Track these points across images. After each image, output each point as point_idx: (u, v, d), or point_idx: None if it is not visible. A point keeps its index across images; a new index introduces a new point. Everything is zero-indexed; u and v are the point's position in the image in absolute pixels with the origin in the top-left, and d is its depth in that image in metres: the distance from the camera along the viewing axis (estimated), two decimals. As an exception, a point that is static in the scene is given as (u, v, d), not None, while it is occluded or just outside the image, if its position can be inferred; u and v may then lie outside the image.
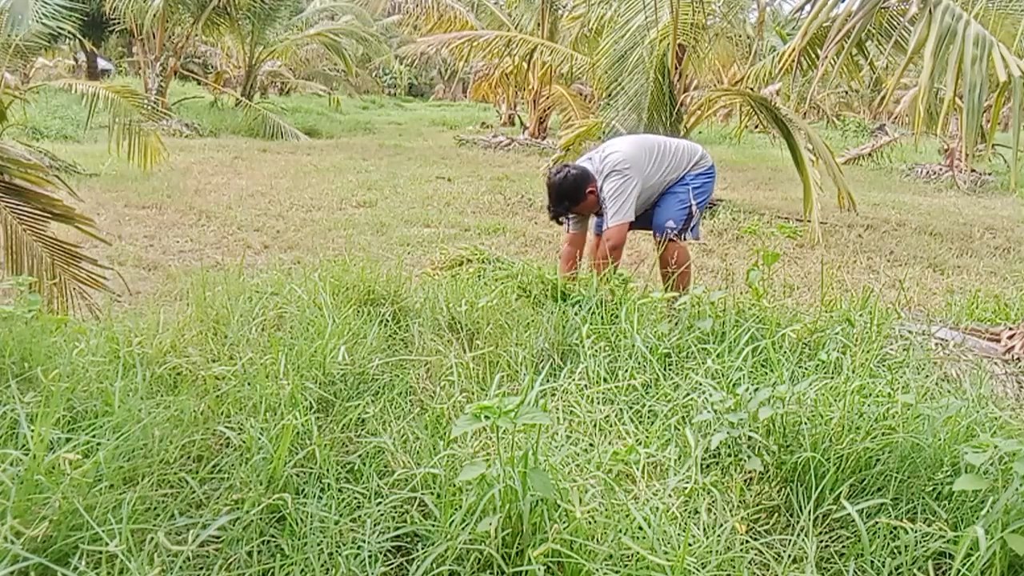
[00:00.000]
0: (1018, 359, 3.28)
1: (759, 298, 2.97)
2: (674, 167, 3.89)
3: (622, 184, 3.67)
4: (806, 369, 2.56)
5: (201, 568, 1.57)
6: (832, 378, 2.36)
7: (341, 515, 1.73)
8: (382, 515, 1.75)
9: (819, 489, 1.87)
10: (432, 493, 1.80)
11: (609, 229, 3.66)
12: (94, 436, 1.82)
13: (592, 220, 4.13)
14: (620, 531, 1.66)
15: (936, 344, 3.26)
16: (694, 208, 3.88)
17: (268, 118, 14.74)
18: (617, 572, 1.58)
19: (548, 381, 2.44)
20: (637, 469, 1.93)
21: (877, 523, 1.76)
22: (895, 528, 1.74)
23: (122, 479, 1.71)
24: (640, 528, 1.65)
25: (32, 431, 1.68)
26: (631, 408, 2.34)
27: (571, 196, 3.67)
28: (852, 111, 23.35)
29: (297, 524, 1.67)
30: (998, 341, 3.51)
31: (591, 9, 9.72)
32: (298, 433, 1.93)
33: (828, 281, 4.82)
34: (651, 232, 4.06)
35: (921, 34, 3.46)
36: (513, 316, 2.94)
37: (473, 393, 2.43)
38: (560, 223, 3.92)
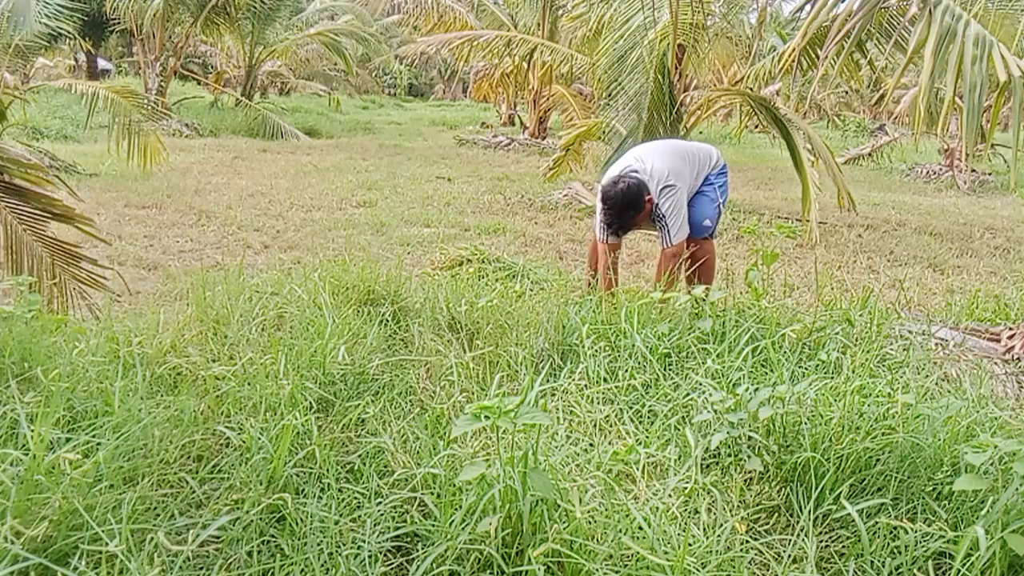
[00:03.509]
0: (1018, 359, 3.28)
1: (759, 298, 2.97)
2: (700, 170, 3.94)
3: (676, 198, 3.71)
4: (806, 369, 2.56)
5: (201, 568, 1.57)
6: (832, 378, 2.36)
7: (341, 515, 1.73)
8: (382, 515, 1.75)
9: (819, 489, 1.87)
10: (432, 493, 1.80)
11: (674, 245, 3.71)
12: (94, 436, 1.82)
13: (597, 228, 4.14)
14: (620, 531, 1.66)
15: (936, 344, 3.26)
16: (721, 206, 3.94)
17: (268, 118, 14.74)
18: (617, 572, 1.58)
19: (548, 381, 2.44)
20: (637, 469, 1.93)
21: (877, 523, 1.76)
22: (895, 528, 1.74)
23: (122, 479, 1.71)
24: (640, 528, 1.65)
25: (32, 431, 1.68)
26: (631, 408, 2.34)
27: (635, 205, 3.66)
28: (852, 111, 23.35)
29: (297, 524, 1.67)
30: (998, 341, 3.51)
31: (591, 9, 9.72)
32: (298, 433, 1.93)
33: (828, 281, 4.83)
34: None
35: (921, 34, 3.46)
36: (513, 316, 2.94)
37: (473, 393, 2.43)
38: (618, 236, 3.87)
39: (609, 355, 2.65)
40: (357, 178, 9.73)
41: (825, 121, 20.99)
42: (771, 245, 3.24)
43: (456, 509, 1.69)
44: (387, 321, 2.85)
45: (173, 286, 4.45)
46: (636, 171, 3.74)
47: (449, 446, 1.97)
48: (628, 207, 3.65)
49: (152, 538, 1.54)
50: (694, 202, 3.93)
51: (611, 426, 2.24)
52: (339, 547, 1.63)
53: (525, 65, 14.59)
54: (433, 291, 3.10)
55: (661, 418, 2.24)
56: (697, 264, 3.81)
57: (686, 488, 1.86)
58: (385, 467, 1.95)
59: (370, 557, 1.62)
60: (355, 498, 1.82)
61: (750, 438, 2.04)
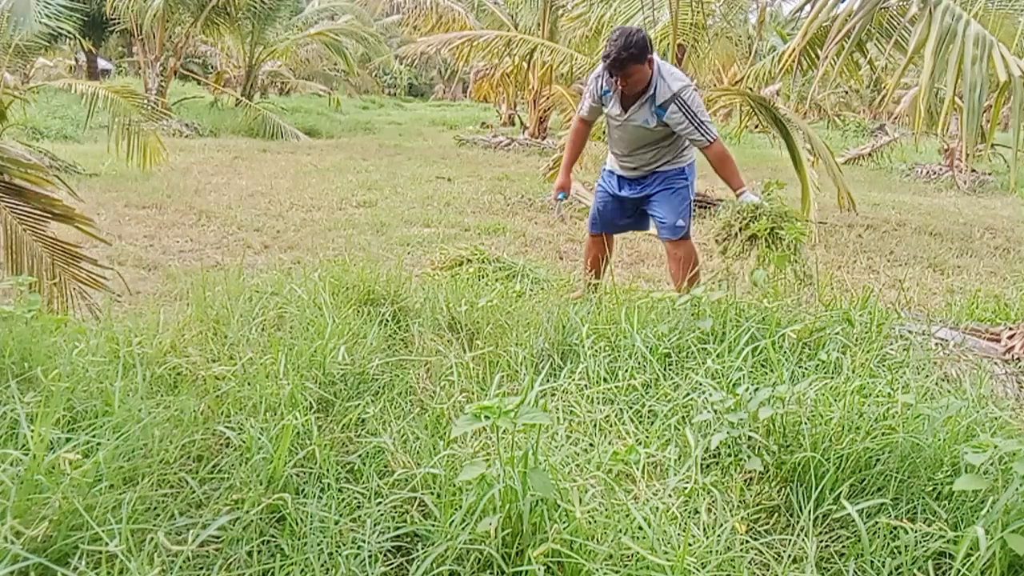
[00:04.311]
0: (1018, 359, 3.28)
1: (775, 297, 2.96)
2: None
3: (699, 99, 3.53)
4: (806, 369, 2.56)
5: (201, 568, 1.57)
6: (832, 378, 2.36)
7: (341, 515, 1.72)
8: (382, 515, 1.75)
9: (819, 489, 1.87)
10: (432, 493, 1.80)
11: (716, 143, 3.54)
12: (94, 436, 1.82)
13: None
14: (620, 531, 1.66)
15: (936, 344, 3.26)
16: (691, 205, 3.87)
17: (268, 118, 14.73)
18: (617, 572, 1.58)
19: (548, 381, 2.44)
20: (637, 469, 1.93)
21: (877, 523, 1.76)
22: (895, 528, 1.74)
23: (122, 479, 1.71)
24: (640, 528, 1.65)
25: (32, 431, 1.68)
26: (631, 408, 2.34)
27: (638, 50, 3.41)
28: (852, 111, 23.34)
29: (297, 524, 1.67)
30: (998, 341, 3.51)
31: (591, 9, 9.72)
32: (298, 433, 1.93)
33: (828, 281, 4.82)
34: (646, 230, 4.04)
35: (921, 34, 3.46)
36: (513, 316, 2.94)
37: (473, 393, 2.43)
38: (611, 75, 3.55)
39: (609, 355, 2.64)
40: (357, 178, 9.73)
41: (825, 121, 20.97)
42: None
43: (456, 509, 1.69)
44: (387, 321, 2.85)
45: (173, 286, 4.45)
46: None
47: (449, 446, 1.97)
48: (630, 47, 3.39)
49: (152, 538, 1.54)
50: (660, 197, 3.76)
51: (611, 426, 2.24)
52: (339, 547, 1.63)
53: (525, 65, 14.58)
54: (433, 291, 3.10)
55: (661, 418, 2.24)
56: (684, 268, 3.67)
57: (686, 488, 1.86)
58: (385, 467, 1.95)
59: (370, 557, 1.62)
60: (355, 498, 1.82)
61: (750, 438, 2.04)
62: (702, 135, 3.53)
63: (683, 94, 3.51)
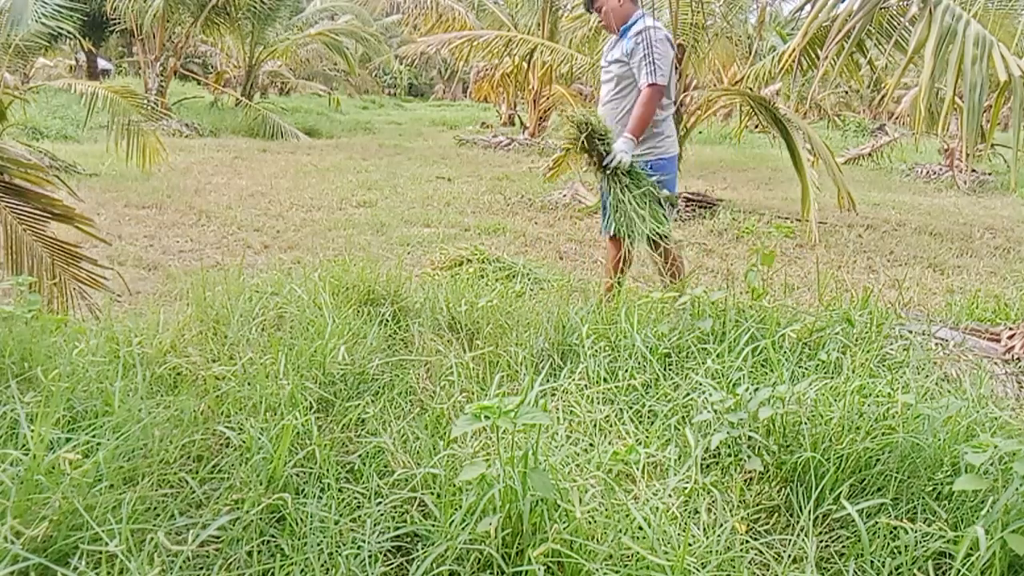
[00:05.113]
0: (1018, 359, 3.28)
1: (758, 298, 2.96)
2: (668, 127, 3.71)
3: (666, 48, 3.53)
4: (806, 369, 2.56)
5: (201, 568, 1.57)
6: (832, 378, 2.36)
7: (341, 515, 1.73)
8: (382, 515, 1.75)
9: (819, 489, 1.87)
10: (432, 493, 1.80)
11: (653, 88, 3.49)
12: (94, 436, 1.82)
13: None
14: (620, 531, 1.66)
15: (936, 344, 3.26)
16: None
17: (268, 118, 14.73)
18: (617, 572, 1.58)
19: (548, 381, 2.44)
20: (637, 469, 1.93)
21: (877, 523, 1.76)
22: (895, 528, 1.74)
23: (122, 479, 1.71)
24: (640, 528, 1.65)
25: (32, 431, 1.68)
26: (631, 408, 2.34)
27: None
28: (852, 111, 23.34)
29: (297, 524, 1.67)
30: (998, 341, 3.51)
31: (591, 9, 9.71)
32: (298, 433, 1.93)
33: (827, 281, 4.83)
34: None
35: (921, 34, 3.46)
36: (513, 316, 2.94)
37: (473, 393, 2.43)
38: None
39: (609, 355, 2.64)
40: (357, 178, 9.73)
41: (825, 121, 20.98)
42: (770, 245, 3.24)
43: (456, 509, 1.69)
44: (387, 321, 2.85)
45: (173, 286, 4.45)
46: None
47: (449, 446, 1.97)
48: None
49: (152, 538, 1.54)
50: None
51: (611, 426, 2.24)
52: (339, 547, 1.63)
53: (525, 65, 14.59)
54: (433, 291, 3.10)
55: (661, 418, 2.24)
56: (666, 274, 3.58)
57: (686, 488, 1.86)
58: (385, 467, 1.95)
59: (370, 557, 1.62)
60: (355, 498, 1.82)
61: (750, 438, 2.04)
62: (646, 72, 3.49)
63: (651, 32, 3.52)
